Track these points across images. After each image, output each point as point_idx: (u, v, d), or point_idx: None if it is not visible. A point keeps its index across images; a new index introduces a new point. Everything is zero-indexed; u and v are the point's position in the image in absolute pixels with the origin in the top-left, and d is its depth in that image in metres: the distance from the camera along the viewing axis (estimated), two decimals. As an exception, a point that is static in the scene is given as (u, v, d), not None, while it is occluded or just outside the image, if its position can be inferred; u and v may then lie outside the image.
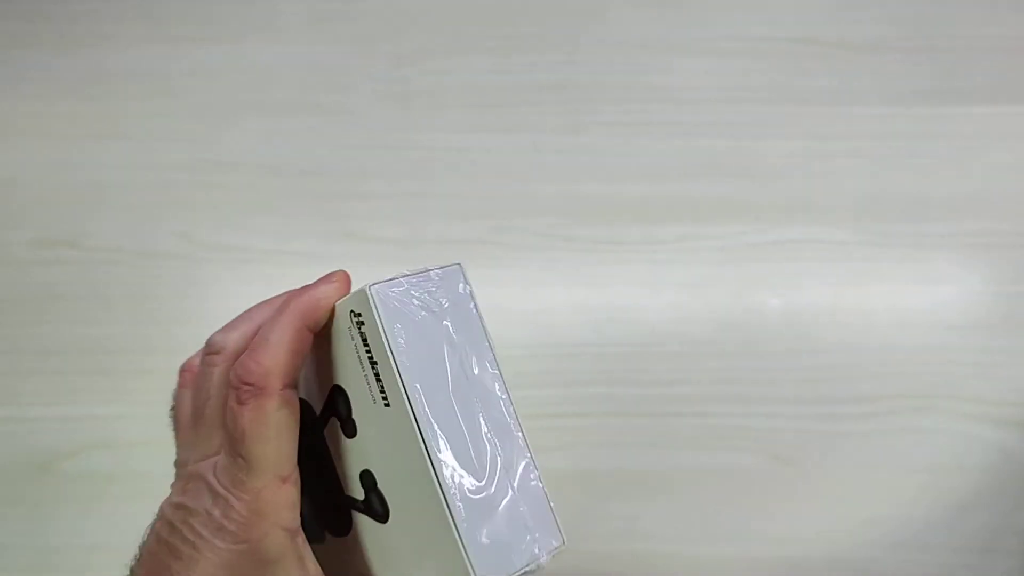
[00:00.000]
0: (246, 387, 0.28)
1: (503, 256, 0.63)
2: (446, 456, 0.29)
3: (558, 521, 0.31)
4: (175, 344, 0.61)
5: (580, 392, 0.59)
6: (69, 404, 0.57)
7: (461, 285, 0.32)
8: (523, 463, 0.31)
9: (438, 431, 0.29)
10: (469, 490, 0.29)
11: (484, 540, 0.29)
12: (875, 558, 0.57)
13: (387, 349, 0.29)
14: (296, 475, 0.30)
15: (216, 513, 0.28)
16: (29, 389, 0.57)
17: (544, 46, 0.72)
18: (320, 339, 0.32)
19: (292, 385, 0.30)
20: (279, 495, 0.28)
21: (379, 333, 0.29)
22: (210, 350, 0.31)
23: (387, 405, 0.30)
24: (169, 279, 0.61)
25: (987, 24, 0.72)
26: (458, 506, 0.28)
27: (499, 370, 0.32)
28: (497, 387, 0.31)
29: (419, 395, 0.29)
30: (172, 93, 0.69)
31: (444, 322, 0.31)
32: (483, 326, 0.32)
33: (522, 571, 0.29)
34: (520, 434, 0.31)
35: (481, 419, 0.30)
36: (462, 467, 0.29)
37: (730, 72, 0.70)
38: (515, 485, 0.30)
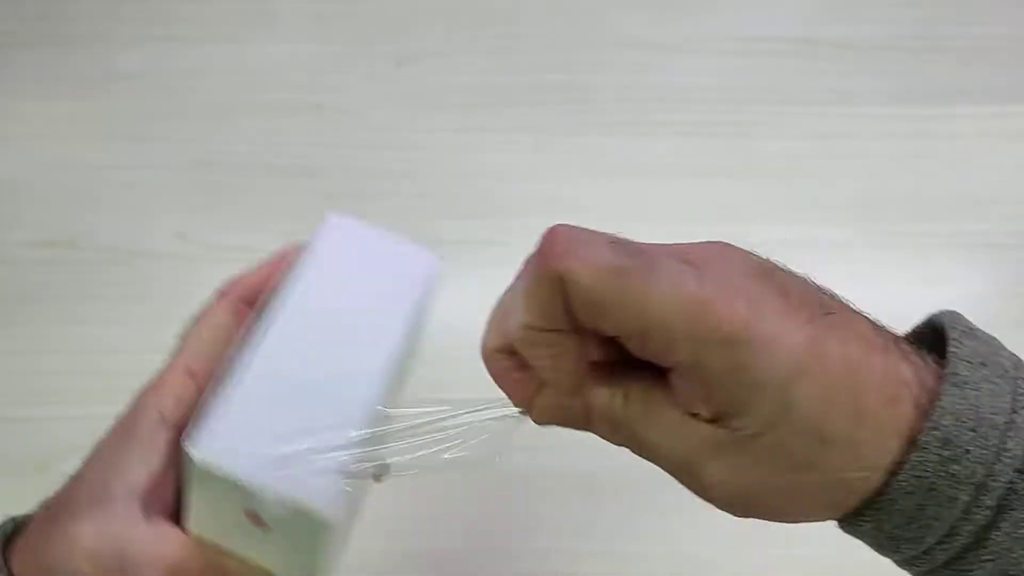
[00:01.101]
0: (223, 291, 0.32)
1: (503, 256, 0.62)
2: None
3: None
4: (174, 344, 0.61)
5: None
6: (67, 404, 0.56)
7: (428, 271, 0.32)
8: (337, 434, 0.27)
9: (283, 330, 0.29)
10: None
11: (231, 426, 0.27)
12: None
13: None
14: (204, 383, 0.30)
15: (152, 379, 0.31)
16: (28, 389, 0.57)
17: (544, 46, 0.72)
18: None
19: (254, 306, 0.31)
20: (174, 381, 0.30)
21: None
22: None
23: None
24: (168, 279, 0.61)
25: (987, 24, 0.72)
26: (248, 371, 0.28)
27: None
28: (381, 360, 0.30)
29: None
30: (172, 93, 0.69)
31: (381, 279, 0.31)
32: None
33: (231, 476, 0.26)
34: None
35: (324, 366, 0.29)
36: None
37: (730, 72, 0.70)
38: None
